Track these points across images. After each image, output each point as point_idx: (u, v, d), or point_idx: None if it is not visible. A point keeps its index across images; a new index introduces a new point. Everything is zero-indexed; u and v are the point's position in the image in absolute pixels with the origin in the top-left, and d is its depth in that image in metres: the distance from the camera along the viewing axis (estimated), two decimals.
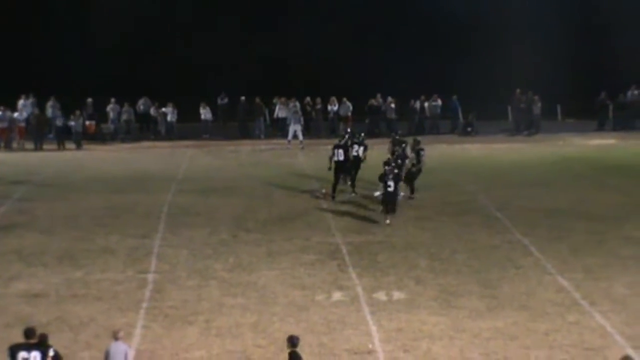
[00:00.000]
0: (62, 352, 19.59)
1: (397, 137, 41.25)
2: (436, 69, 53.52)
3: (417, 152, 38.44)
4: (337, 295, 27.01)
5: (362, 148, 39.20)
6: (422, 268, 29.24)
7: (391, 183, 33.64)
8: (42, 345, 19.20)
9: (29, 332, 19.29)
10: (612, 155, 46.54)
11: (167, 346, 22.98)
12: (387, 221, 33.71)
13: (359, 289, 27.40)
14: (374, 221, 34.58)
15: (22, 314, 25.16)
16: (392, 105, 54.72)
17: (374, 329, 24.58)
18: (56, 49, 52.78)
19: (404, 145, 40.11)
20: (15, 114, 52.40)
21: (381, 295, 26.92)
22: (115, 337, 20.10)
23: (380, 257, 30.26)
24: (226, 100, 55.79)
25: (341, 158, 38.66)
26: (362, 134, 41.64)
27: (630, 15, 55.49)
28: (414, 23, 55.23)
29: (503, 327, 24.55)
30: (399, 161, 37.29)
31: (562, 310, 25.74)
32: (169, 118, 54.67)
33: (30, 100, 53.15)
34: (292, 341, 19.39)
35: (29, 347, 18.96)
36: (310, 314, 25.64)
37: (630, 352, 21.50)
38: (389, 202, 33.93)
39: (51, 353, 19.17)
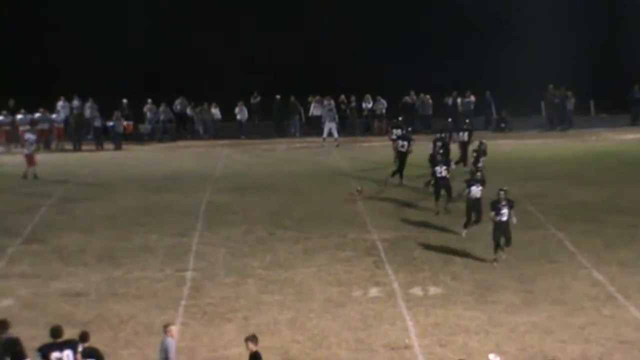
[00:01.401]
0: (102, 350, 19.65)
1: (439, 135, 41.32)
2: (469, 65, 53.37)
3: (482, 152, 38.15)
4: (373, 291, 27.03)
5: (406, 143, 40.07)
6: (458, 263, 29.21)
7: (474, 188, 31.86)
8: (72, 342, 19.27)
9: (56, 331, 19.32)
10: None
11: (206, 343, 23.04)
12: (463, 234, 32.01)
13: (395, 285, 27.40)
14: (409, 217, 34.54)
15: (63, 313, 25.28)
16: (430, 101, 54.69)
17: (410, 324, 24.57)
18: (93, 50, 52.92)
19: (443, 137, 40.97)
20: (54, 116, 52.66)
21: (417, 291, 26.92)
22: (165, 332, 20.22)
23: (416, 253, 30.25)
24: (258, 99, 55.85)
25: (403, 149, 40.07)
26: (409, 129, 42.08)
27: None
28: (445, 19, 55.07)
29: (539, 322, 24.49)
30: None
31: (598, 304, 25.66)
32: (214, 116, 54.87)
33: (76, 102, 53.40)
34: (254, 341, 19.23)
35: (60, 346, 18.99)
36: (347, 310, 25.65)
37: None
38: (477, 210, 31.84)
39: (80, 348, 19.23)
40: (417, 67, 52.56)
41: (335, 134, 51.69)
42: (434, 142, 39.84)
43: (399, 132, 43.30)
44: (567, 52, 51.50)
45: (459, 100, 54.67)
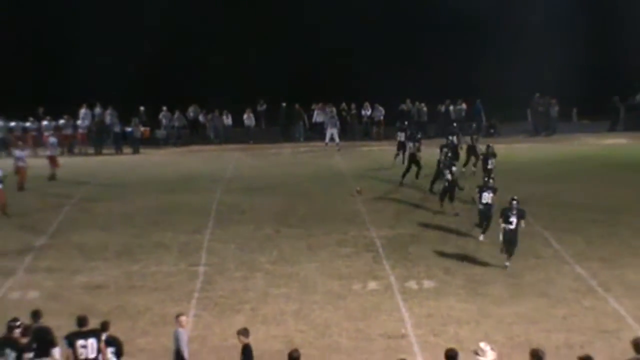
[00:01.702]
0: (122, 339, 19.67)
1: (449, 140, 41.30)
2: (461, 75, 53.34)
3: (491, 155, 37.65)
4: (372, 285, 27.04)
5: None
6: (450, 259, 29.22)
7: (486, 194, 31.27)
8: (97, 331, 19.30)
9: (82, 321, 19.34)
10: (624, 154, 46.28)
11: (217, 332, 23.07)
12: (481, 237, 31.19)
13: (392, 279, 27.41)
14: (405, 216, 34.54)
15: (85, 304, 25.29)
16: (425, 109, 54.69)
17: (406, 315, 24.60)
18: (113, 62, 52.94)
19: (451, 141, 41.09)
20: (78, 122, 52.79)
21: (412, 284, 26.93)
22: (176, 322, 20.27)
23: (412, 249, 30.26)
24: (265, 106, 55.87)
25: (411, 150, 40.22)
26: (419, 132, 42.21)
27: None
28: (440, 32, 55.02)
29: (525, 313, 24.52)
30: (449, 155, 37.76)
31: (579, 296, 25.69)
32: (225, 123, 54.93)
33: (97, 109, 53.46)
34: (245, 334, 19.16)
35: (85, 335, 19.02)
36: (348, 302, 25.68)
37: None
38: (487, 215, 31.18)
39: (104, 337, 19.27)
40: (412, 77, 52.56)
41: (337, 139, 51.69)
42: (441, 147, 39.55)
43: (402, 135, 44.13)
44: (552, 64, 51.54)
45: (451, 107, 54.69)
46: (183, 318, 20.53)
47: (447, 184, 34.76)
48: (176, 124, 54.77)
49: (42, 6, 53.40)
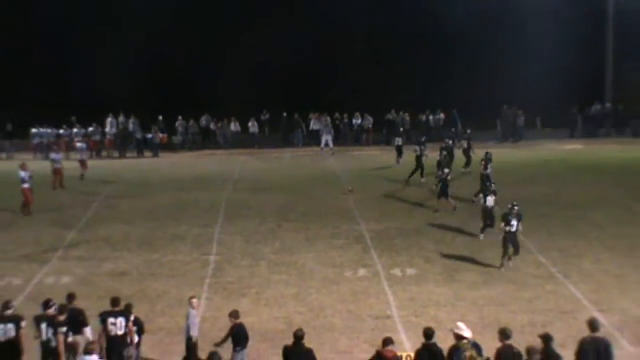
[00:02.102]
0: (143, 319, 19.73)
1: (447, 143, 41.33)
2: (439, 88, 53.35)
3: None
4: (361, 272, 27.08)
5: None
6: (430, 249, 29.27)
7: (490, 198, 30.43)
8: (126, 312, 19.37)
9: (115, 301, 19.47)
10: (581, 158, 46.31)
11: (226, 313, 23.03)
12: (481, 237, 30.48)
13: (379, 267, 27.46)
14: (391, 212, 34.55)
15: (111, 289, 25.31)
16: (408, 118, 54.67)
17: (391, 298, 24.65)
18: (135, 77, 52.94)
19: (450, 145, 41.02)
20: (106, 129, 52.84)
21: (397, 272, 26.98)
22: (189, 304, 20.34)
23: (397, 241, 30.29)
24: (268, 116, 55.83)
25: (417, 153, 39.99)
26: (424, 137, 42.39)
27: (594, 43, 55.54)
28: (422, 50, 55.03)
29: (494, 296, 24.59)
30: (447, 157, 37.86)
31: (542, 282, 25.76)
32: (232, 129, 54.92)
33: (121, 118, 53.43)
34: (236, 315, 19.28)
35: (115, 314, 19.14)
36: (340, 287, 25.73)
37: (596, 314, 21.50)
38: (491, 217, 30.32)
39: (132, 318, 19.33)
40: (397, 90, 52.64)
41: (331, 145, 51.68)
42: (441, 149, 39.47)
43: (399, 140, 45.74)
44: (518, 78, 51.52)
45: (431, 117, 54.69)
46: (194, 301, 20.61)
47: (442, 183, 34.62)
48: (190, 131, 54.77)
49: (68, 26, 53.29)
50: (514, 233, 26.82)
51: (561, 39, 52.30)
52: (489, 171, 35.31)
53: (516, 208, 27.00)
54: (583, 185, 36.21)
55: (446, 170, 34.79)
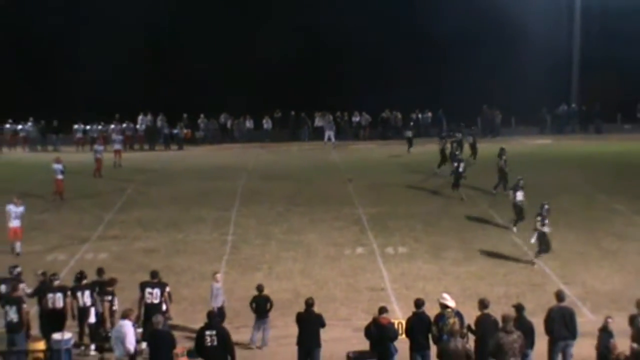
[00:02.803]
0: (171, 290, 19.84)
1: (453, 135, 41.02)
2: (427, 89, 53.18)
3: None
4: (359, 250, 27.16)
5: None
6: (419, 230, 29.31)
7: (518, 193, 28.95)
8: (162, 284, 19.51)
9: (153, 274, 19.71)
10: (550, 151, 46.23)
11: (242, 286, 23.19)
12: (514, 230, 28.97)
13: (375, 246, 27.51)
14: (385, 197, 34.54)
15: (142, 264, 25.49)
16: (400, 116, 54.59)
17: (385, 273, 24.72)
18: (164, 80, 52.97)
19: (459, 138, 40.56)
20: (137, 126, 52.90)
21: (390, 250, 27.04)
22: (213, 278, 20.48)
23: (390, 223, 30.33)
24: (280, 114, 55.74)
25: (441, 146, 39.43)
26: (444, 132, 42.38)
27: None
28: (411, 54, 54.90)
29: (475, 271, 24.66)
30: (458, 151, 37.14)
31: (516, 259, 25.78)
32: (247, 125, 54.94)
33: (150, 116, 53.45)
34: (259, 288, 19.71)
35: (152, 285, 19.35)
36: (341, 263, 25.80)
37: (562, 287, 21.53)
38: (521, 210, 28.86)
39: (167, 289, 19.48)
40: (390, 91, 52.57)
41: (333, 139, 51.62)
42: (451, 142, 39.29)
43: (409, 132, 46.79)
44: (496, 81, 51.44)
45: (420, 115, 54.61)
46: (218, 275, 20.76)
47: (455, 174, 34.08)
48: (211, 127, 54.76)
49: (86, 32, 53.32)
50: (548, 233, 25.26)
51: (533, 47, 52.18)
52: (502, 165, 34.49)
53: (545, 206, 25.60)
54: (551, 175, 36.17)
55: (461, 163, 34.23)
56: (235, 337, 17.71)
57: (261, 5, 56.58)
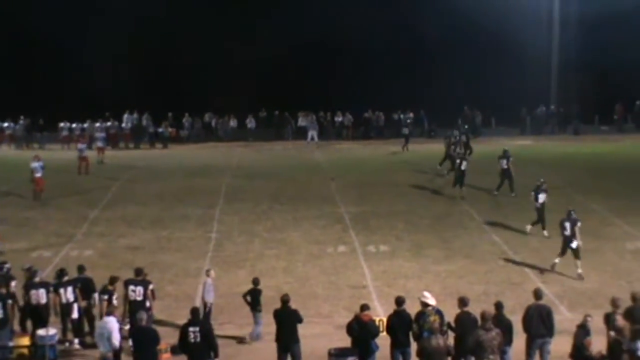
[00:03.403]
0: (153, 286, 19.76)
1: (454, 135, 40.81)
2: (409, 90, 53.24)
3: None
4: (341, 248, 27.16)
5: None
6: (400, 229, 29.34)
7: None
8: (145, 281, 19.46)
9: (138, 272, 19.64)
10: (529, 152, 46.29)
11: (225, 283, 23.14)
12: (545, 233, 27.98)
13: (357, 244, 27.53)
14: (366, 196, 34.57)
15: (127, 260, 25.42)
16: (382, 117, 54.66)
17: (366, 271, 24.74)
18: (148, 78, 52.80)
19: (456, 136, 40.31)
20: (123, 124, 52.73)
21: (371, 248, 27.05)
22: (206, 275, 20.47)
23: (371, 222, 30.35)
24: (264, 113, 55.64)
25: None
26: (450, 132, 41.81)
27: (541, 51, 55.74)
28: (394, 55, 54.94)
29: (455, 270, 24.71)
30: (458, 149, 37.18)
31: (495, 257, 25.91)
32: (231, 124, 54.86)
33: (135, 114, 53.26)
34: (255, 281, 19.76)
35: (136, 282, 19.28)
36: (323, 261, 25.81)
37: (540, 285, 21.63)
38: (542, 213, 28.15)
39: (151, 287, 19.43)
40: (372, 91, 52.67)
41: (316, 139, 51.64)
42: (449, 140, 39.27)
43: (406, 130, 47.48)
44: (475, 83, 51.60)
45: (401, 115, 54.64)
46: (212, 272, 20.74)
47: (456, 173, 34.14)
48: (195, 126, 54.66)
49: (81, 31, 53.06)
50: (570, 237, 24.18)
51: (513, 50, 52.39)
52: (505, 166, 34.36)
53: (571, 212, 24.46)
54: (531, 175, 36.11)
55: (463, 162, 34.12)
56: (219, 333, 17.70)
57: (244, 6, 56.49)
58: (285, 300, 17.48)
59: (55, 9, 51.88)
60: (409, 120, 51.10)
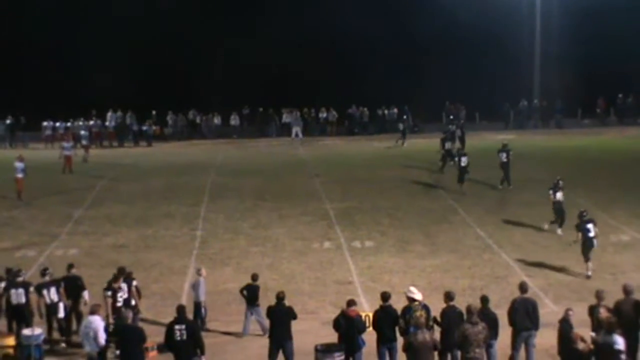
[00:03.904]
0: (139, 284, 19.70)
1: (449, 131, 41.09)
2: (393, 86, 53.36)
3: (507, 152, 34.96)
4: (326, 244, 27.17)
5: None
6: (385, 224, 29.38)
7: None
8: (128, 279, 19.40)
9: (120, 270, 19.54)
10: (513, 146, 45.94)
11: (211, 280, 23.04)
12: (559, 231, 27.60)
13: (342, 240, 27.55)
14: (351, 192, 34.58)
15: (111, 259, 25.35)
16: (367, 112, 54.68)
17: (352, 267, 24.76)
18: (135, 77, 52.60)
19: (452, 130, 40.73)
20: (107, 123, 52.58)
21: (357, 244, 27.09)
22: (198, 273, 20.38)
23: (356, 218, 30.38)
24: (248, 110, 55.54)
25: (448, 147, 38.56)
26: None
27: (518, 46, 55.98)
28: (377, 54, 55.05)
29: (440, 264, 24.75)
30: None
31: (480, 251, 25.97)
32: (215, 121, 54.78)
33: (119, 112, 53.09)
34: (254, 277, 19.77)
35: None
36: (308, 257, 25.81)
37: (525, 278, 21.66)
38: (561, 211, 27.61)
39: (135, 283, 19.36)
40: (357, 87, 52.72)
41: (300, 135, 51.67)
42: (446, 139, 39.12)
43: (401, 125, 47.40)
44: (458, 79, 51.67)
45: (386, 111, 54.71)
46: (203, 271, 20.67)
47: (458, 170, 34.02)
48: (179, 123, 54.55)
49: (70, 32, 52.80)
50: (592, 239, 23.57)
51: (496, 45, 52.57)
52: (504, 160, 34.50)
53: (584, 214, 23.98)
54: (514, 170, 36.29)
55: (464, 158, 33.99)
56: (205, 330, 17.68)
57: (228, 5, 56.43)
58: (281, 297, 17.52)
59: (38, 8, 51.73)
60: (405, 116, 51.24)
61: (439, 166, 38.17)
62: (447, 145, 37.73)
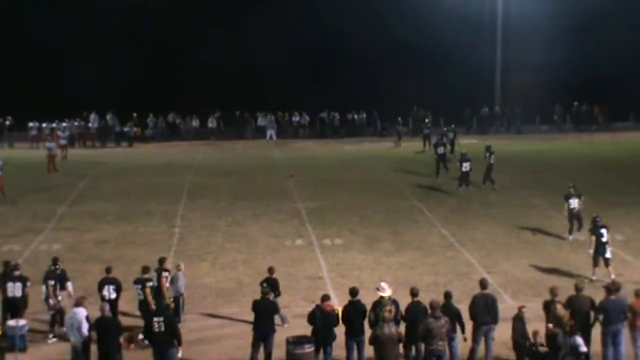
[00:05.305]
0: (119, 279, 19.56)
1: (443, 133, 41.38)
2: (362, 91, 53.49)
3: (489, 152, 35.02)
4: (298, 242, 27.13)
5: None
6: (354, 223, 29.38)
7: None
8: (115, 279, 19.23)
9: (108, 270, 19.43)
10: (475, 150, 46.03)
11: (189, 275, 22.86)
12: (570, 238, 26.72)
13: (313, 237, 27.52)
14: (322, 192, 34.60)
15: (93, 254, 25.26)
16: (337, 117, 54.74)
17: (322, 263, 24.73)
18: (116, 80, 52.24)
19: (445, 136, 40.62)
20: (90, 124, 52.26)
21: (327, 241, 27.04)
22: (177, 269, 20.19)
23: (327, 216, 30.39)
24: (219, 114, 55.01)
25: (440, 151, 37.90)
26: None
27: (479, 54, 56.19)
28: (351, 60, 55.10)
29: (406, 261, 24.77)
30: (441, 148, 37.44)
31: (443, 249, 26.01)
32: (194, 124, 54.60)
33: (107, 116, 52.87)
34: (271, 270, 19.62)
35: (109, 281, 19.01)
36: (281, 253, 25.74)
37: (485, 275, 21.76)
38: (577, 218, 26.60)
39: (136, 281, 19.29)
40: (328, 93, 52.72)
41: (274, 138, 51.65)
42: (439, 144, 38.32)
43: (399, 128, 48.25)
44: (424, 84, 51.86)
45: (356, 116, 54.80)
46: (182, 265, 20.55)
47: (462, 173, 33.49)
48: (159, 125, 54.32)
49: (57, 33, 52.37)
50: (606, 243, 22.47)
51: (459, 53, 52.78)
52: (492, 161, 34.54)
53: (598, 219, 22.83)
54: (477, 172, 36.54)
55: (466, 164, 33.42)
56: (182, 323, 17.60)
57: (206, 9, 56.26)
58: (265, 292, 17.57)
59: (23, 11, 51.26)
60: (399, 118, 51.27)
61: (434, 170, 37.41)
62: (440, 150, 37.53)
